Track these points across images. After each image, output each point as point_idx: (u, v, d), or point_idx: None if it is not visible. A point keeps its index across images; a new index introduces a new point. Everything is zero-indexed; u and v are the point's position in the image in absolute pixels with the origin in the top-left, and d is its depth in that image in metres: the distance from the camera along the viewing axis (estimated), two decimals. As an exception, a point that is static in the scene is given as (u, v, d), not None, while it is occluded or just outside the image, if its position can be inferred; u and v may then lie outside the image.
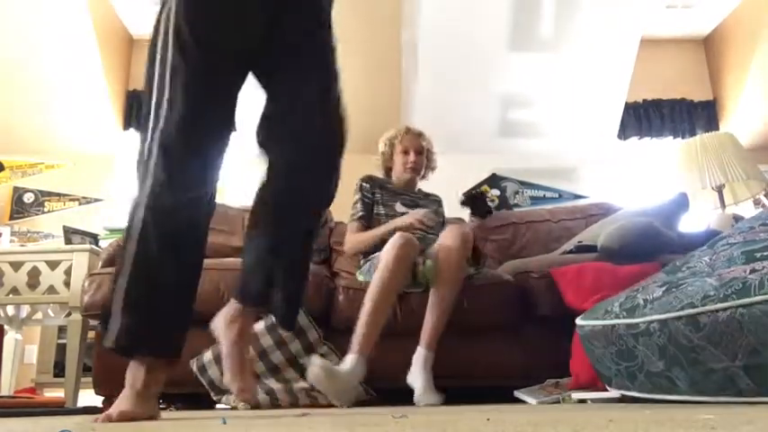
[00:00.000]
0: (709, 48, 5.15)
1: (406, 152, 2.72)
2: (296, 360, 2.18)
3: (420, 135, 2.77)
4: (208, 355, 2.15)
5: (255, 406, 2.01)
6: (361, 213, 2.60)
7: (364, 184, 2.67)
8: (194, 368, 2.15)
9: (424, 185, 2.84)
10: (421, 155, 2.73)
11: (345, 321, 2.31)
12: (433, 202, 2.80)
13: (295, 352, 2.18)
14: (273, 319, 1.65)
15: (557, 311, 2.28)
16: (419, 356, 2.14)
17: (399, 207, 2.66)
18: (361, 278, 2.44)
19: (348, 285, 2.39)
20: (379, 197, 2.66)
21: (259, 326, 2.16)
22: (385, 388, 2.19)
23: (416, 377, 2.10)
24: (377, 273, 2.18)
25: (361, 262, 2.52)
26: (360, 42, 4.27)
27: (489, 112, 4.59)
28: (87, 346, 2.77)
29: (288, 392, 2.12)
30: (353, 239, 2.54)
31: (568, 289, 2.27)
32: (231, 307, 1.43)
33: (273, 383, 2.13)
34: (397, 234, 2.25)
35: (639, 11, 4.23)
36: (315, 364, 1.93)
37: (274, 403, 2.07)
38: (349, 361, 2.01)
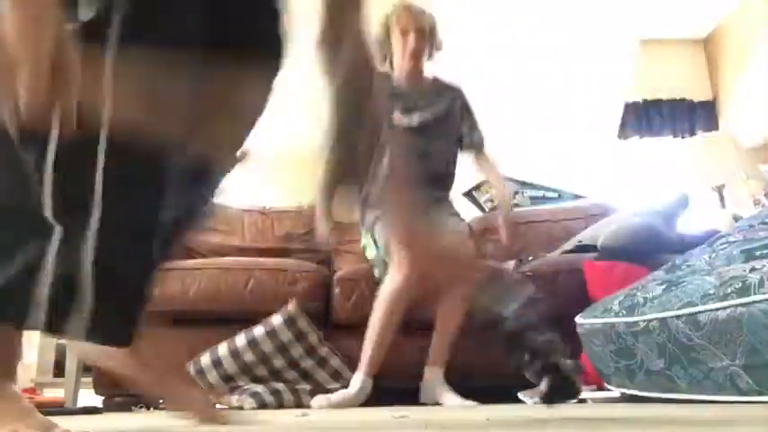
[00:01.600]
0: (709, 48, 5.15)
1: (404, 33, 2.29)
2: (297, 364, 2.18)
3: (422, 12, 2.34)
4: (206, 359, 2.15)
5: (262, 406, 2.02)
6: None
7: None
8: (191, 371, 2.14)
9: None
10: (422, 36, 2.31)
11: (345, 317, 2.32)
12: (446, 99, 2.37)
13: (297, 356, 2.18)
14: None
15: (554, 312, 2.27)
16: (435, 377, 2.07)
17: (397, 117, 2.28)
18: (369, 254, 2.28)
19: (343, 276, 2.37)
20: None
21: (258, 331, 2.16)
22: (386, 387, 2.19)
23: (441, 396, 2.04)
24: (378, 304, 2.02)
25: (363, 232, 2.28)
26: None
27: (488, 112, 4.59)
28: (87, 347, 2.77)
29: (293, 393, 2.12)
30: None
31: (595, 281, 2.25)
32: None
33: (279, 385, 2.13)
34: (403, 275, 1.97)
35: (639, 10, 4.23)
36: (319, 405, 1.96)
37: (280, 403, 2.07)
38: (357, 382, 2.02)
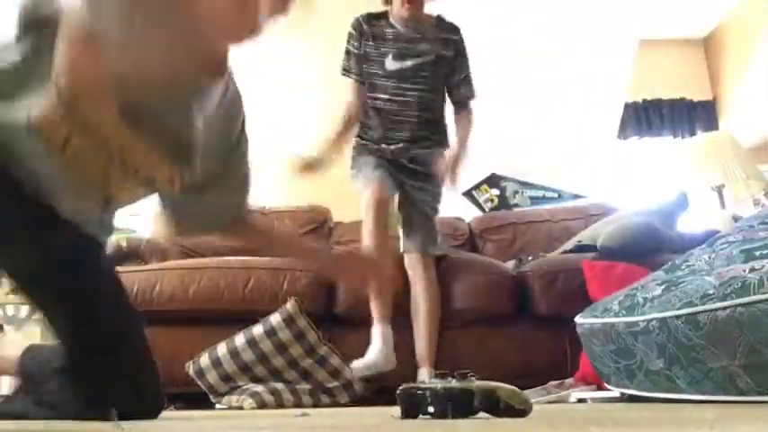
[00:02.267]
0: (709, 48, 5.15)
1: None
2: (297, 363, 2.18)
3: None
4: (204, 360, 2.14)
5: (261, 406, 2.01)
6: (352, 68, 2.39)
7: (352, 31, 2.39)
8: (190, 371, 2.14)
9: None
10: None
11: (348, 311, 2.32)
12: (441, 43, 2.39)
13: (297, 356, 2.18)
14: None
15: (554, 312, 2.28)
16: (427, 377, 2.08)
17: (389, 63, 2.35)
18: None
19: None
20: (369, 50, 2.36)
21: (257, 330, 2.16)
22: (386, 387, 2.19)
23: None
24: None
25: None
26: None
27: (489, 111, 4.58)
28: (87, 346, 2.76)
29: (292, 392, 2.12)
30: (349, 102, 2.39)
31: (594, 281, 2.24)
32: None
33: (278, 385, 2.13)
34: (367, 209, 2.22)
35: (639, 10, 4.23)
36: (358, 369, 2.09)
37: (279, 403, 2.07)
38: (375, 338, 2.11)
